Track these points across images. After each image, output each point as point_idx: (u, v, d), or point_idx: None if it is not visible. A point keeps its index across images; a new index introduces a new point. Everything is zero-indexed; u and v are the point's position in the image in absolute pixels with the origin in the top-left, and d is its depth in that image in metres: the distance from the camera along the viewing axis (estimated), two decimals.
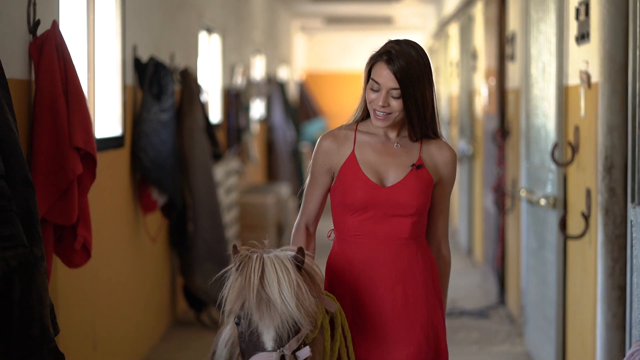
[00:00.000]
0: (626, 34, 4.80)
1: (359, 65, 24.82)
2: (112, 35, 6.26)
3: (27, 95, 4.53)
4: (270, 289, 3.27)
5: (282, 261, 3.33)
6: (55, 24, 4.61)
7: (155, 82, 6.80)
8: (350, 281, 3.73)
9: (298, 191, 3.95)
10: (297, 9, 18.40)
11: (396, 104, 3.67)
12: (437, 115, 3.78)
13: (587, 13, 5.42)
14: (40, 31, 4.56)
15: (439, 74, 15.37)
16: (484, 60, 9.80)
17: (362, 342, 3.71)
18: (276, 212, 11.56)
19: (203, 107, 8.00)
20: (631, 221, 4.40)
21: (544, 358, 6.49)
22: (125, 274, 6.52)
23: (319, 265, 3.54)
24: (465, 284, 9.60)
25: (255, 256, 3.33)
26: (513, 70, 8.04)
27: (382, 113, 3.68)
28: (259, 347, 3.26)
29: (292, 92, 18.60)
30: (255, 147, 12.56)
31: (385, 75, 3.67)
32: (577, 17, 5.63)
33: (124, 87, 6.38)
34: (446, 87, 14.26)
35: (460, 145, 11.45)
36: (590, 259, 5.40)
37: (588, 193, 5.43)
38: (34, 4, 4.52)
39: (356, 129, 3.82)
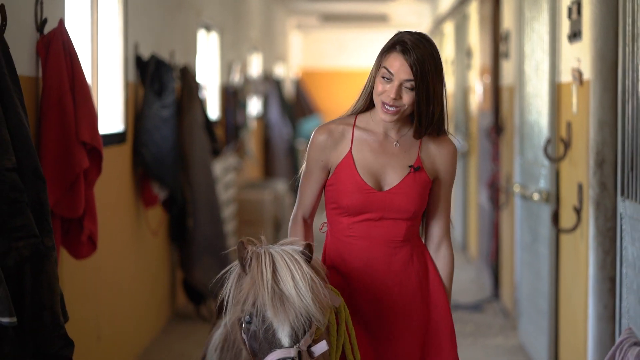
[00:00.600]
0: (617, 33, 4.91)
1: (355, 62, 24.88)
2: (115, 33, 6.37)
3: (35, 92, 4.64)
4: (285, 283, 3.19)
5: (293, 255, 3.27)
6: (61, 23, 4.73)
7: (157, 79, 6.92)
8: (344, 282, 3.65)
9: (294, 187, 3.89)
10: (294, 7, 18.49)
11: (407, 98, 3.52)
12: (446, 113, 3.64)
13: (579, 12, 5.52)
14: (47, 30, 4.67)
15: None
16: (479, 58, 9.92)
17: (357, 344, 3.61)
18: (273, 208, 11.69)
19: (202, 104, 8.13)
20: (620, 214, 4.52)
21: (537, 350, 6.61)
22: (127, 267, 6.65)
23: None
24: (460, 278, 9.71)
25: (263, 251, 3.27)
26: (507, 68, 8.15)
27: (392, 107, 3.53)
28: (275, 344, 3.15)
29: (289, 89, 18.70)
30: (252, 143, 12.68)
31: (399, 66, 3.51)
32: (569, 16, 5.73)
33: (126, 84, 6.50)
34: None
35: (455, 142, 11.56)
36: (582, 251, 5.52)
37: (580, 187, 5.55)
38: (41, 4, 4.63)
39: (354, 124, 3.68)
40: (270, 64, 16.17)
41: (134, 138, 6.77)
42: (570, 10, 5.71)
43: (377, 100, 3.58)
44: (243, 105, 11.61)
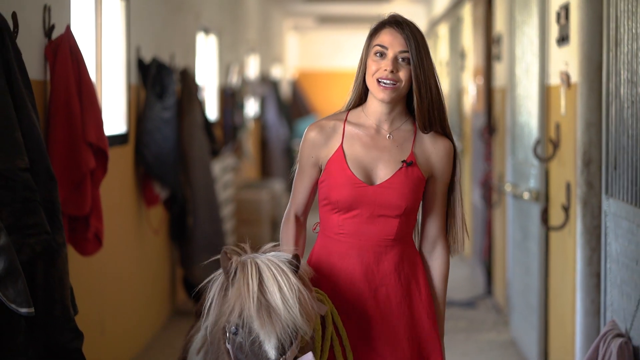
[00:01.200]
0: (602, 38, 5.09)
1: (351, 63, 25.05)
2: (118, 38, 6.56)
3: (43, 95, 4.81)
4: (271, 295, 3.14)
5: (279, 265, 3.21)
6: (68, 29, 4.90)
7: (158, 81, 7.11)
8: (332, 281, 3.56)
9: (289, 184, 3.77)
10: (290, 9, 18.60)
11: (404, 73, 3.44)
12: (443, 101, 3.53)
13: (567, 17, 5.68)
14: (54, 35, 4.86)
15: None
16: (472, 59, 10.07)
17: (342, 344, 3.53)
18: (270, 208, 11.87)
19: (201, 106, 8.32)
20: (605, 212, 4.69)
21: (528, 344, 6.79)
22: (130, 264, 6.83)
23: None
24: (454, 276, 9.84)
25: (249, 261, 3.20)
26: (499, 70, 8.31)
27: (388, 82, 3.43)
28: (261, 356, 3.12)
29: (285, 90, 18.86)
30: (249, 144, 12.86)
31: (392, 39, 3.44)
32: (557, 21, 5.88)
33: (129, 87, 6.69)
34: None
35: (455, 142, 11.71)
36: (570, 248, 5.68)
37: (568, 186, 5.71)
38: (49, 10, 4.81)
39: (346, 119, 3.60)
40: (267, 65, 16.32)
41: (136, 139, 6.96)
42: (558, 15, 5.87)
43: (372, 81, 3.49)
44: (241, 106, 11.79)
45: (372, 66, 3.48)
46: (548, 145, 6.23)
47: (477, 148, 9.57)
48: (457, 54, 11.56)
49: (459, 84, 11.51)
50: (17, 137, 3.82)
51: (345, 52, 23.10)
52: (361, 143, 3.55)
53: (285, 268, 3.21)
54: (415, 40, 3.43)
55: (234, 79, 11.57)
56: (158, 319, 7.69)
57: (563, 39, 5.78)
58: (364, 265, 3.53)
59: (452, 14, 11.81)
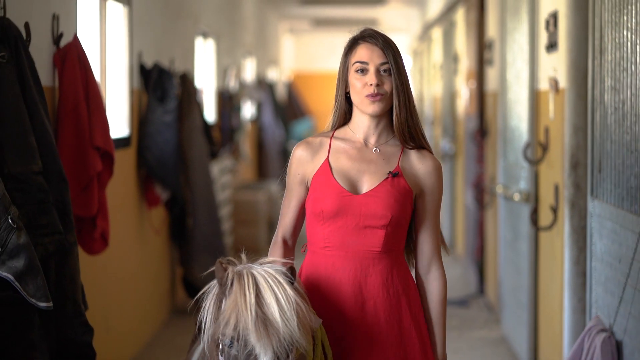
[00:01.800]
0: (588, 46, 5.28)
1: None
2: (121, 44, 6.76)
3: (52, 101, 5.00)
4: (269, 307, 3.05)
5: (276, 277, 3.12)
6: (76, 37, 5.10)
7: (159, 86, 7.32)
8: (318, 295, 3.49)
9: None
10: (286, 12, 18.76)
11: (388, 84, 3.44)
12: (416, 111, 3.52)
13: (555, 25, 5.86)
14: (62, 43, 5.05)
15: (423, 75, 15.81)
16: (465, 63, 10.22)
17: None
18: (267, 208, 12.05)
19: (200, 109, 8.52)
20: (590, 213, 4.89)
21: (518, 341, 6.99)
22: (132, 263, 7.02)
23: None
24: (447, 276, 10.05)
25: (245, 272, 3.11)
26: (491, 75, 8.49)
27: (376, 95, 3.43)
28: None
29: (281, 92, 19.03)
30: (246, 146, 13.05)
31: (370, 53, 3.45)
32: (547, 28, 6.06)
33: (131, 91, 6.90)
34: (430, 89, 14.72)
35: (443, 144, 11.90)
36: (558, 248, 5.86)
37: (556, 188, 5.90)
38: (57, 19, 5.01)
39: (332, 135, 3.57)
40: (263, 67, 16.50)
41: (138, 142, 7.16)
42: (547, 22, 6.05)
43: (359, 99, 3.47)
44: (238, 109, 11.98)
45: (356, 84, 3.45)
46: (537, 148, 6.41)
47: (469, 150, 9.74)
48: (451, 57, 11.71)
49: (452, 87, 11.66)
50: (31, 142, 4.02)
51: (339, 55, 23.16)
52: (347, 156, 3.52)
53: (281, 279, 3.12)
54: (392, 50, 3.45)
55: (232, 82, 11.76)
56: (159, 317, 7.88)
57: (552, 46, 5.96)
58: (352, 278, 3.46)
59: (445, 18, 11.96)
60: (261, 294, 3.06)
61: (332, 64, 23.22)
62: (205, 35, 10.27)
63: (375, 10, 18.05)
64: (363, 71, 3.45)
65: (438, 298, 3.60)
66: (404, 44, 20.29)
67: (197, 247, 8.13)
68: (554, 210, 5.92)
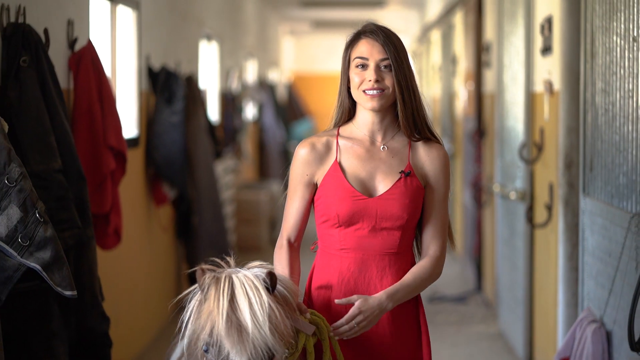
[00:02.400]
0: (580, 50, 5.47)
1: None
2: (130, 47, 6.98)
3: (67, 102, 5.19)
4: (241, 312, 2.98)
5: (252, 281, 3.04)
6: (90, 42, 5.32)
7: (166, 88, 7.55)
8: (332, 297, 3.44)
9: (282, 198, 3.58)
10: (286, 14, 18.93)
11: (388, 80, 3.38)
12: (423, 104, 3.47)
13: (550, 29, 6.06)
14: (77, 47, 5.26)
15: (422, 77, 15.99)
16: (463, 65, 10.39)
17: None
18: (269, 208, 12.27)
19: (205, 110, 8.74)
20: (582, 210, 5.09)
21: (515, 335, 7.20)
22: (141, 260, 7.23)
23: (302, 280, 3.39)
24: (446, 273, 10.22)
25: (223, 277, 3.05)
26: (489, 76, 8.66)
27: (375, 91, 3.38)
28: None
29: (281, 93, 19.21)
30: (248, 146, 13.26)
31: (371, 48, 3.40)
32: (542, 32, 6.26)
33: (140, 93, 7.12)
34: (429, 90, 14.89)
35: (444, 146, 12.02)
36: (553, 245, 6.06)
37: (551, 187, 6.10)
38: (72, 24, 5.23)
39: (338, 134, 3.50)
40: (264, 69, 16.70)
41: (146, 142, 7.39)
42: (542, 27, 6.24)
43: (358, 93, 3.43)
44: (240, 110, 12.19)
45: (355, 78, 3.41)
46: (533, 148, 6.61)
47: (467, 150, 9.92)
48: (449, 59, 11.86)
49: (451, 88, 11.81)
50: (52, 142, 4.24)
51: (339, 56, 23.13)
52: (356, 156, 3.46)
53: (258, 284, 3.03)
54: (393, 46, 3.39)
55: (234, 84, 11.97)
56: (166, 312, 8.08)
57: (546, 50, 6.15)
58: (367, 280, 3.42)
59: (444, 20, 12.12)
60: (235, 299, 2.99)
61: (331, 65, 23.39)
62: (209, 37, 10.48)
63: (375, 13, 18.22)
64: (363, 67, 3.40)
65: (409, 276, 3.42)
66: (401, 38, 20.41)
67: (203, 244, 8.34)
68: (549, 208, 6.12)
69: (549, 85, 6.06)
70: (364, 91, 3.40)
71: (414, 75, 3.45)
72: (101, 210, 5.18)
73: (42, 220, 3.60)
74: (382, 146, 3.48)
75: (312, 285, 3.50)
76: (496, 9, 7.96)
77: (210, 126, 8.81)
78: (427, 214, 3.50)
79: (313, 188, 3.49)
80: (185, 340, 3.11)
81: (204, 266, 3.11)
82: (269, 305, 3.01)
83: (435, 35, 13.79)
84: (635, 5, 4.17)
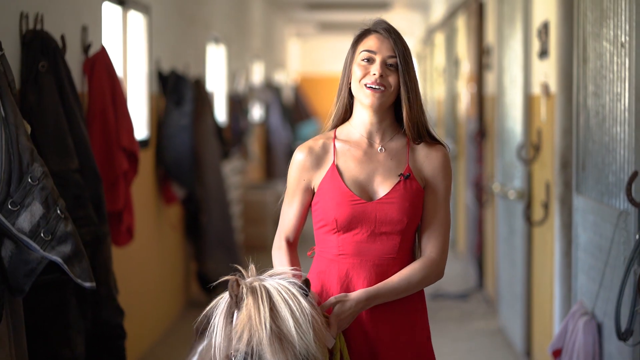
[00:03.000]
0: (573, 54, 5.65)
1: None
2: (141, 51, 7.21)
3: (82, 105, 5.42)
4: (283, 321, 2.94)
5: (289, 289, 3.01)
6: (103, 48, 5.53)
7: (176, 91, 7.78)
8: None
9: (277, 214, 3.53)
10: (292, 16, 19.12)
11: (393, 78, 3.30)
12: (424, 107, 3.39)
13: (546, 33, 6.25)
14: (91, 52, 5.47)
15: (427, 78, 16.14)
16: (466, 68, 10.53)
17: None
18: (275, 208, 12.43)
19: (212, 112, 8.96)
20: (575, 207, 5.29)
21: (514, 331, 7.38)
22: (152, 257, 7.45)
23: None
24: (448, 271, 10.34)
25: (258, 285, 3.00)
26: (490, 79, 8.83)
27: (377, 87, 3.28)
28: None
29: (287, 94, 19.42)
30: (255, 147, 13.46)
31: (380, 44, 3.32)
32: (539, 37, 6.44)
33: (150, 96, 7.35)
34: (433, 92, 15.06)
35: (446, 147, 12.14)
36: (549, 242, 6.25)
37: (547, 186, 6.29)
38: (86, 30, 5.44)
39: (335, 136, 3.42)
40: (271, 70, 16.88)
41: (156, 143, 7.62)
42: (539, 31, 6.43)
43: (359, 87, 3.33)
44: (246, 112, 12.40)
45: (358, 72, 3.32)
46: (530, 149, 6.80)
47: (469, 151, 10.07)
48: (452, 61, 12.00)
49: (454, 90, 11.95)
50: (69, 143, 4.46)
51: (344, 58, 23.42)
52: (354, 159, 3.37)
53: (295, 292, 3.01)
54: (402, 46, 3.33)
55: (241, 86, 12.17)
56: (175, 308, 8.30)
57: (543, 54, 6.33)
58: (366, 286, 3.32)
59: (447, 23, 12.28)
60: (275, 308, 2.96)
61: (337, 66, 23.29)
62: (216, 40, 10.69)
63: (380, 15, 18.25)
64: (369, 60, 3.32)
65: (407, 272, 3.34)
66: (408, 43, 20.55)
67: (211, 243, 8.56)
68: (546, 206, 6.31)
69: (546, 88, 6.25)
70: (365, 85, 3.31)
71: (417, 79, 3.39)
72: (114, 208, 5.38)
73: (62, 216, 3.81)
74: (380, 147, 3.39)
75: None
76: (496, 13, 8.13)
77: (217, 128, 9.03)
78: (425, 215, 3.39)
79: (310, 193, 3.42)
80: (213, 351, 3.01)
81: (237, 277, 3.03)
82: (311, 313, 2.98)
83: (439, 38, 13.92)
84: (623, 12, 4.38)
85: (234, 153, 11.01)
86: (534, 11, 6.75)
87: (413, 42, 19.82)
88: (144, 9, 7.14)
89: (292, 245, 3.47)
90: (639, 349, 4.13)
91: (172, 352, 7.35)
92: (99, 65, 5.40)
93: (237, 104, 11.56)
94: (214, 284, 3.11)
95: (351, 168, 3.35)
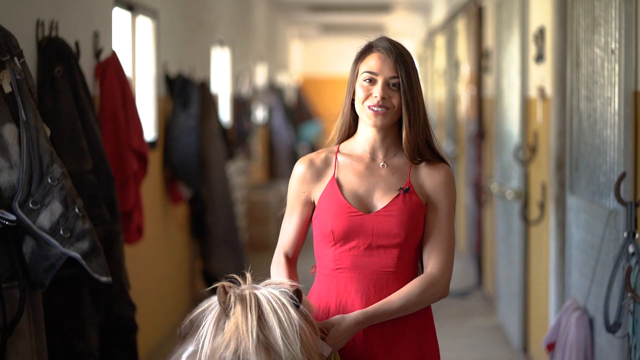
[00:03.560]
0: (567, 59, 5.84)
1: None
2: (148, 54, 7.41)
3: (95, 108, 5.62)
4: (271, 331, 2.91)
5: (280, 299, 2.97)
6: (114, 52, 5.73)
7: (182, 93, 7.98)
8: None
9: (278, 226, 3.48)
10: (295, 18, 19.26)
11: (396, 99, 3.25)
12: (430, 124, 3.34)
13: (542, 38, 6.43)
14: (102, 57, 5.66)
15: (428, 80, 16.29)
16: (466, 70, 10.68)
17: None
18: (278, 208, 12.65)
19: (217, 114, 9.16)
20: (569, 207, 5.48)
21: (511, 327, 7.57)
22: (159, 256, 7.64)
23: None
24: None
25: (248, 294, 2.96)
26: (489, 81, 9.01)
27: (380, 108, 3.24)
28: None
29: (290, 95, 19.59)
30: (258, 148, 13.64)
31: (382, 64, 3.26)
32: (535, 41, 6.62)
33: (158, 99, 7.55)
34: (434, 93, 15.22)
35: (446, 146, 12.27)
36: (545, 240, 6.43)
37: (543, 186, 6.49)
38: (98, 36, 5.64)
39: (337, 150, 3.39)
40: (273, 72, 17.04)
41: (163, 145, 7.82)
42: (536, 36, 6.62)
43: (362, 108, 3.30)
44: (250, 113, 12.58)
45: (361, 92, 3.28)
46: (527, 150, 6.99)
47: (469, 152, 10.22)
48: (453, 64, 12.15)
49: (454, 92, 12.09)
50: (84, 145, 4.65)
51: (347, 59, 23.18)
52: (355, 172, 3.34)
53: (286, 302, 2.97)
54: (405, 64, 3.27)
55: (245, 87, 12.36)
56: (181, 305, 8.48)
57: (540, 58, 6.52)
58: (364, 301, 3.27)
59: (448, 26, 12.43)
60: (264, 317, 2.93)
61: (339, 68, 23.63)
62: (221, 43, 10.87)
63: (382, 17, 18.50)
64: (371, 81, 3.28)
65: (407, 289, 3.27)
66: (410, 50, 20.69)
67: (216, 242, 8.74)
68: (542, 206, 6.50)
69: (542, 92, 6.43)
70: (368, 107, 3.27)
71: (422, 96, 3.32)
72: (125, 208, 5.56)
73: (80, 214, 4.01)
74: (382, 163, 3.35)
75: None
76: (495, 17, 8.29)
77: (222, 129, 9.22)
78: (427, 232, 3.32)
79: (311, 207, 3.38)
80: (203, 358, 2.96)
81: (225, 283, 2.98)
82: (299, 323, 2.95)
83: (440, 41, 14.06)
84: (614, 20, 4.57)
85: (238, 154, 11.19)
86: (530, 16, 6.92)
87: (414, 44, 19.96)
88: (152, 14, 7.34)
89: (291, 261, 3.41)
90: (627, 341, 4.32)
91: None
92: (110, 69, 5.58)
93: (241, 105, 11.75)
94: (217, 285, 3.02)
95: (351, 181, 3.33)
